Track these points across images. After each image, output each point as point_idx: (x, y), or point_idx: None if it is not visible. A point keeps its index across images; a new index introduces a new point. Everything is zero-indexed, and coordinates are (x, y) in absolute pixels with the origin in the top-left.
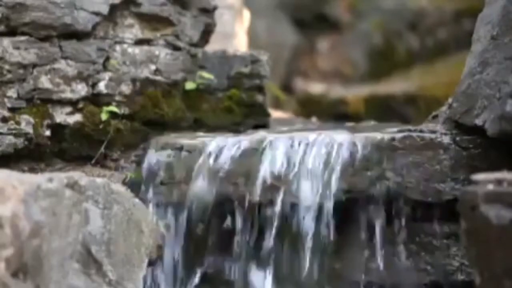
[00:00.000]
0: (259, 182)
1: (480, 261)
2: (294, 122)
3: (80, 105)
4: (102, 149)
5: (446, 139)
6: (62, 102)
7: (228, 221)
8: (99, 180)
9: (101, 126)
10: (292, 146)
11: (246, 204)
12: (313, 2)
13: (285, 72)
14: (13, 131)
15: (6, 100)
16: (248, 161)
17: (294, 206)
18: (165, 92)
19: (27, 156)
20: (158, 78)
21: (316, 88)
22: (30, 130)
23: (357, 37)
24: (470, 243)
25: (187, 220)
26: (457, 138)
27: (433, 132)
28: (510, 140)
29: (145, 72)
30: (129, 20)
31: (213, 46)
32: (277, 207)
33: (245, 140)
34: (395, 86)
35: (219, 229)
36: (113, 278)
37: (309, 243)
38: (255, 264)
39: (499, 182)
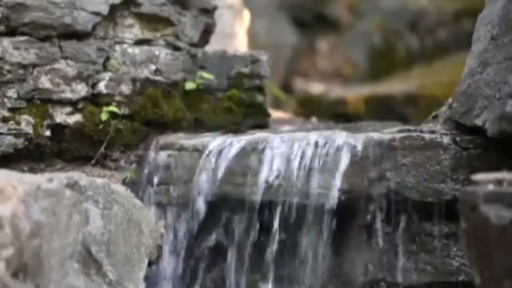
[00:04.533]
0: (259, 181)
1: (480, 261)
2: (294, 122)
3: (80, 105)
4: (102, 149)
5: (446, 139)
6: (62, 102)
7: (228, 221)
8: (99, 180)
9: (101, 126)
10: (292, 146)
11: (246, 203)
12: (313, 2)
13: (285, 72)
14: (13, 131)
15: (6, 100)
16: (248, 161)
17: (294, 206)
18: (165, 92)
19: (27, 156)
20: (158, 78)
21: (316, 88)
22: (30, 130)
23: (357, 37)
24: (470, 243)
25: (187, 220)
26: (457, 138)
27: (433, 132)
28: (510, 140)
29: (145, 72)
30: (129, 20)
31: (213, 46)
32: (277, 207)
33: (245, 140)
34: (395, 86)
35: (219, 228)
36: (113, 278)
37: (309, 243)
38: (255, 264)
39: (499, 182)
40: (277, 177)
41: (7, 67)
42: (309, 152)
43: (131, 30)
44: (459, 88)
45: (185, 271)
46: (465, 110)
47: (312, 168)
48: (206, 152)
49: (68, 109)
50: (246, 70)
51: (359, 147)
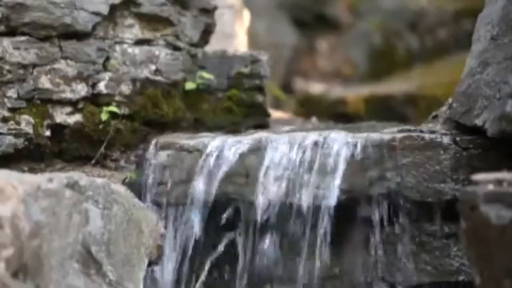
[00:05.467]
0: (259, 182)
1: (480, 261)
2: (294, 122)
3: (80, 105)
4: (102, 149)
5: (446, 139)
6: (62, 102)
7: (228, 222)
8: (99, 180)
9: (101, 126)
10: (292, 146)
11: (247, 204)
12: (313, 2)
13: (285, 72)
14: (13, 131)
15: (6, 100)
16: (248, 161)
17: (294, 206)
18: (165, 92)
19: (27, 156)
20: (158, 78)
21: (316, 88)
22: (30, 130)
23: (357, 37)
24: (470, 243)
25: (187, 221)
26: (457, 138)
27: (433, 132)
28: (510, 140)
29: (145, 72)
30: (129, 20)
31: (213, 46)
32: (277, 207)
33: (245, 140)
34: (395, 86)
35: (219, 229)
36: (113, 278)
37: (309, 243)
38: (255, 264)
39: (499, 182)
40: (277, 177)
41: (7, 67)
42: (309, 152)
43: (131, 30)
44: (459, 88)
45: (185, 271)
46: (465, 110)
47: (312, 168)
48: (206, 152)
49: (68, 109)
50: (246, 70)
51: (359, 147)
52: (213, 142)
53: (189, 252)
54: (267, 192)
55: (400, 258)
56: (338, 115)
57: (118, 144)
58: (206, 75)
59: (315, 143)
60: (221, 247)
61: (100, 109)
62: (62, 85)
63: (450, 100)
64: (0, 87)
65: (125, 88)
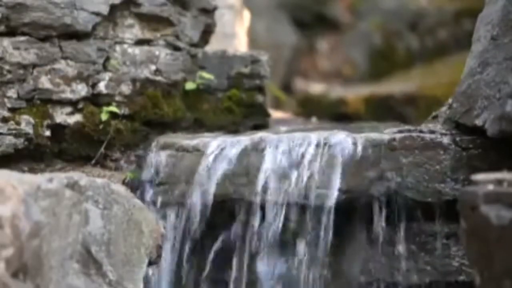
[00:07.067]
0: (259, 182)
1: (480, 261)
2: (294, 122)
3: (80, 105)
4: (102, 149)
5: (446, 139)
6: (62, 102)
7: (229, 221)
8: (99, 180)
9: (101, 126)
10: (292, 146)
11: (247, 204)
12: (313, 2)
13: (285, 72)
14: (13, 131)
15: (6, 100)
16: (248, 161)
17: (294, 206)
18: (165, 92)
19: (27, 156)
20: (158, 78)
21: (316, 88)
22: (30, 130)
23: (357, 37)
24: (470, 243)
25: (187, 221)
26: (457, 139)
27: (433, 132)
28: (510, 140)
29: (145, 72)
30: (129, 20)
31: (213, 46)
32: (277, 207)
33: (245, 140)
34: (395, 86)
35: (219, 229)
36: (113, 279)
37: (309, 243)
38: (255, 265)
39: (499, 182)
40: (277, 177)
41: (7, 67)
42: (309, 152)
43: (131, 30)
44: (459, 88)
45: (183, 271)
46: (465, 110)
47: (312, 168)
48: (207, 152)
49: (68, 109)
50: (246, 70)
51: (359, 147)
52: (213, 142)
53: (188, 252)
54: (267, 192)
55: (400, 258)
56: (338, 115)
57: (118, 144)
58: (206, 75)
59: (315, 143)
60: (221, 247)
61: (100, 109)
62: (62, 85)
63: (450, 100)
64: (0, 87)
65: (125, 88)
